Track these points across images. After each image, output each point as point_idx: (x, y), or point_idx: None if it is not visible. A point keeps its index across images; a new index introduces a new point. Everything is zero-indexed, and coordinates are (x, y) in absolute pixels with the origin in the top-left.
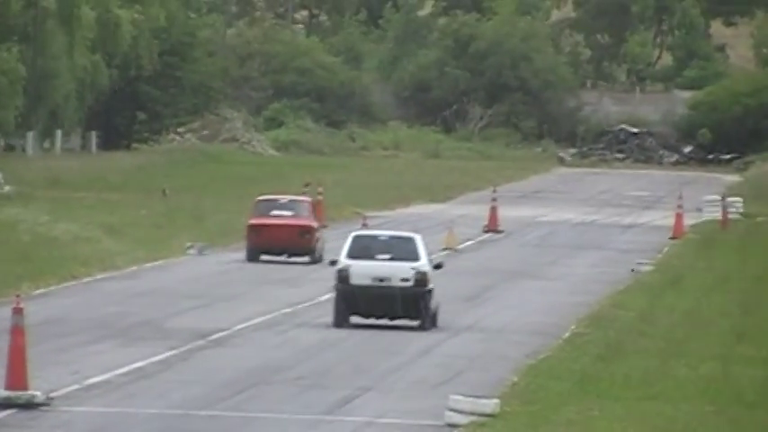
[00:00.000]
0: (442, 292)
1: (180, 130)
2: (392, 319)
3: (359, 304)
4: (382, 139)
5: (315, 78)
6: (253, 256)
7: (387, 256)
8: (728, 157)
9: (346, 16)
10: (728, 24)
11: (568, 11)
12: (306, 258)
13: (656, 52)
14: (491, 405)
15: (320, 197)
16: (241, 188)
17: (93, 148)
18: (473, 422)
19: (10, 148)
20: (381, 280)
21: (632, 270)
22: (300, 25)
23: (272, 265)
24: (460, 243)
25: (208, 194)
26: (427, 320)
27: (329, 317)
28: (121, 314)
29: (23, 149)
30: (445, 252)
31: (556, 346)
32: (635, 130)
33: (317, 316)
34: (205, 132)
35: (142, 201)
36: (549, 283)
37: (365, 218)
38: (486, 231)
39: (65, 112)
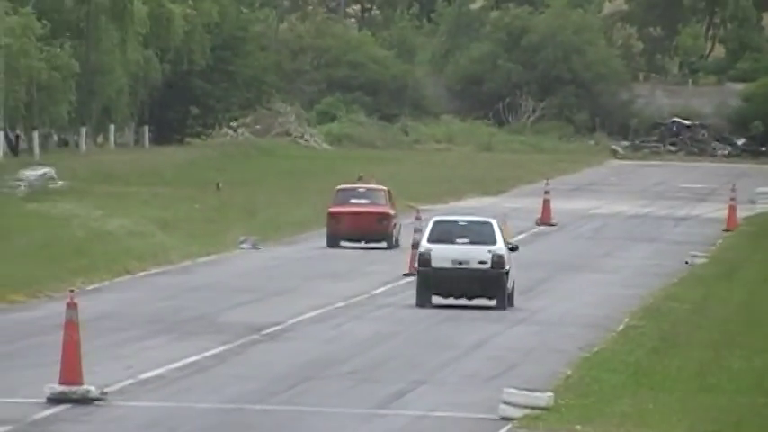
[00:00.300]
0: None
1: (233, 124)
2: (470, 299)
3: (439, 285)
4: (435, 132)
5: (367, 72)
6: (333, 243)
7: (465, 240)
8: None
9: (398, 10)
10: None
11: (620, 3)
12: (383, 244)
13: (709, 44)
14: (545, 398)
15: None
16: (294, 182)
17: (146, 142)
18: (527, 415)
19: (63, 143)
20: (460, 262)
21: (686, 262)
22: (352, 19)
23: (325, 260)
24: (514, 236)
25: (260, 189)
26: (503, 300)
27: (381, 310)
28: (175, 309)
29: (77, 144)
30: None
31: (610, 339)
32: (688, 122)
33: (369, 309)
34: (258, 127)
35: (195, 195)
36: (603, 276)
37: (418, 211)
38: (540, 224)
39: (117, 107)
